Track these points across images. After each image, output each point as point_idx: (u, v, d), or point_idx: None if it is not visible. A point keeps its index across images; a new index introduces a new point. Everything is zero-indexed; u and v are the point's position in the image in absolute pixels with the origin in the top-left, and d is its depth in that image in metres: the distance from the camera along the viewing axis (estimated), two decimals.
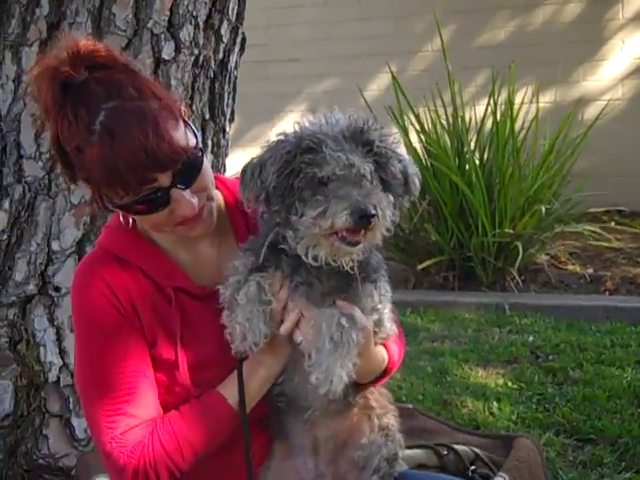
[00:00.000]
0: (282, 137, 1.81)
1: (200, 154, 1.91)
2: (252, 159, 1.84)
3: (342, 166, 1.75)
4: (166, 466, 1.90)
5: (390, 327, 2.01)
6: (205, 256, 2.08)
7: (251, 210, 2.02)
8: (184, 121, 1.90)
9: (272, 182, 1.77)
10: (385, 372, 2.07)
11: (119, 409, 1.91)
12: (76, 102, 1.81)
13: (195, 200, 1.89)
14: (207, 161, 1.97)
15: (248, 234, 2.06)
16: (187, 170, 1.87)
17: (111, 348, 1.93)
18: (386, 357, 2.04)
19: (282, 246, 1.86)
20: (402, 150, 1.90)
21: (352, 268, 1.84)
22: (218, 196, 2.11)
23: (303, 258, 1.82)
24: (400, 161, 1.86)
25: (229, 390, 1.94)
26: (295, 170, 1.76)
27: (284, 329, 1.89)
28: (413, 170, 1.89)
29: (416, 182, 1.89)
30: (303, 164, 1.76)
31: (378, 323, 1.95)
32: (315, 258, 1.82)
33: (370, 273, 1.92)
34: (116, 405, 1.91)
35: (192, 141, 1.89)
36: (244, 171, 1.82)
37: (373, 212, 1.73)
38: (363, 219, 1.73)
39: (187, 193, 1.87)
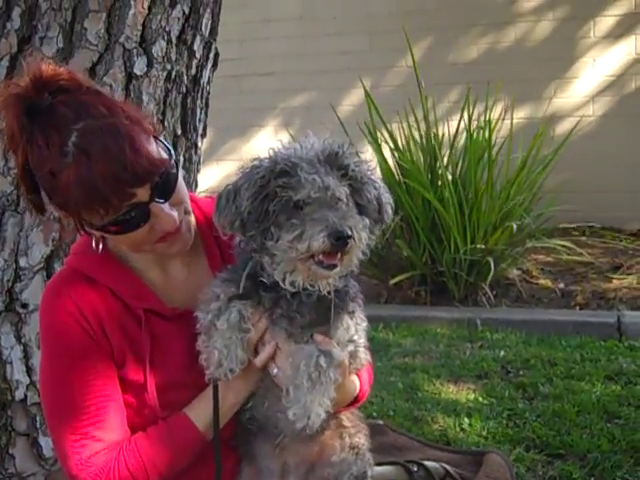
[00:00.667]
0: (256, 162, 1.82)
1: (174, 168, 1.90)
2: (227, 185, 1.83)
3: (317, 189, 1.76)
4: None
5: (364, 357, 2.02)
6: (176, 276, 2.07)
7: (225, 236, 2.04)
8: (155, 137, 1.89)
9: (247, 207, 1.77)
10: (355, 400, 2.08)
11: (85, 433, 1.90)
12: (44, 127, 1.79)
13: (175, 213, 1.89)
14: (181, 175, 1.97)
15: (220, 254, 2.06)
16: (164, 184, 1.87)
17: (78, 370, 1.92)
18: (358, 386, 2.06)
19: (261, 278, 1.86)
20: (377, 177, 1.92)
21: (329, 293, 1.85)
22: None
23: (281, 284, 1.83)
24: (375, 188, 1.87)
25: (195, 412, 1.94)
26: (270, 194, 1.77)
27: (259, 361, 1.91)
28: (387, 198, 1.90)
29: (389, 211, 1.90)
30: (278, 188, 1.76)
31: (353, 354, 1.97)
32: (292, 284, 1.83)
33: (347, 303, 1.93)
34: (82, 429, 1.91)
35: (165, 155, 1.88)
36: (219, 197, 1.82)
37: (349, 233, 1.74)
38: (340, 241, 1.73)
39: (166, 207, 1.87)
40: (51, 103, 1.80)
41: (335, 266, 1.79)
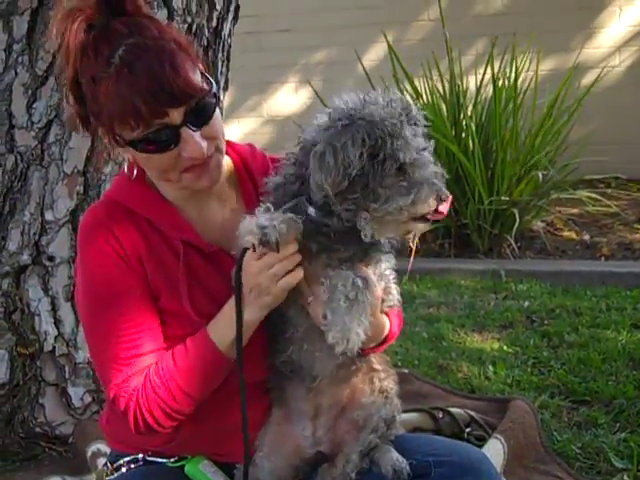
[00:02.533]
0: (345, 121, 1.78)
1: (214, 100, 1.92)
2: (318, 145, 1.79)
3: (418, 150, 1.78)
4: (161, 409, 1.95)
5: (396, 295, 2.04)
6: (212, 215, 2.10)
7: (259, 181, 2.06)
8: (200, 68, 1.93)
9: (355, 168, 1.75)
10: (384, 341, 2.09)
11: (123, 358, 1.96)
12: (98, 39, 1.85)
13: (204, 144, 1.90)
14: (219, 112, 1.97)
15: (256, 201, 2.07)
16: (199, 111, 1.89)
17: (115, 298, 1.96)
18: (387, 325, 2.07)
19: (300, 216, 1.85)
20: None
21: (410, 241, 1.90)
22: (227, 160, 2.13)
23: (365, 239, 1.84)
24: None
25: (216, 330, 1.95)
26: (379, 155, 1.76)
27: (285, 283, 1.87)
28: None
29: None
30: (388, 149, 1.76)
31: (386, 291, 1.99)
32: (387, 239, 1.89)
33: (381, 243, 1.94)
34: (119, 355, 1.96)
35: (206, 86, 1.91)
36: (321, 155, 1.77)
37: (450, 195, 1.80)
38: (444, 202, 1.79)
39: (197, 135, 1.88)
40: (109, 20, 1.86)
41: (429, 220, 1.84)
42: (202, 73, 1.92)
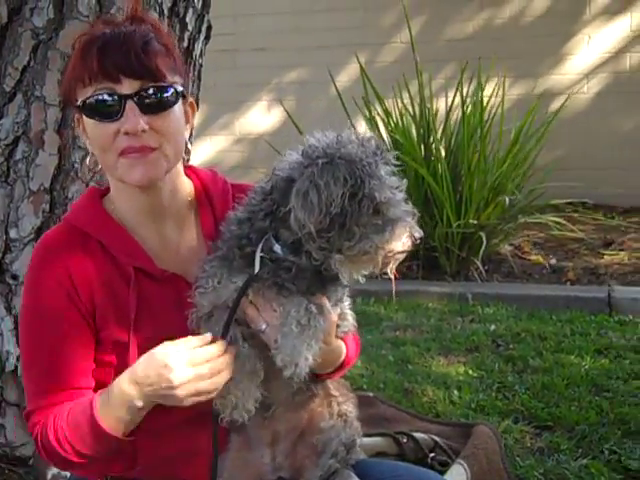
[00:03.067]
0: (325, 159, 1.79)
1: (174, 99, 1.92)
2: (298, 182, 1.79)
3: (392, 189, 1.81)
4: (57, 455, 1.94)
5: (351, 321, 2.04)
6: (168, 238, 2.08)
7: (219, 207, 2.08)
8: (179, 70, 1.96)
9: (337, 207, 1.75)
10: (341, 366, 2.09)
11: (44, 389, 1.96)
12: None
13: (143, 124, 1.87)
14: (180, 117, 1.96)
15: (215, 228, 2.06)
16: (153, 97, 1.89)
17: (52, 331, 1.95)
18: (344, 351, 2.07)
19: (268, 254, 1.86)
20: None
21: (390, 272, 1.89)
22: (188, 184, 2.12)
23: (343, 280, 1.87)
24: None
25: (104, 416, 1.90)
26: (357, 195, 1.77)
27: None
28: None
29: None
30: (366, 189, 1.77)
31: (341, 317, 1.99)
32: (358, 277, 1.89)
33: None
34: (42, 385, 1.97)
35: (173, 80, 1.92)
36: (305, 193, 1.77)
37: (422, 234, 1.85)
38: (417, 241, 1.83)
39: (140, 114, 1.87)
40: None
41: (406, 250, 1.85)
42: (180, 75, 1.95)
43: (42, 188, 3.07)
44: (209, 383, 1.83)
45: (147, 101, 1.88)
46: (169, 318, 1.97)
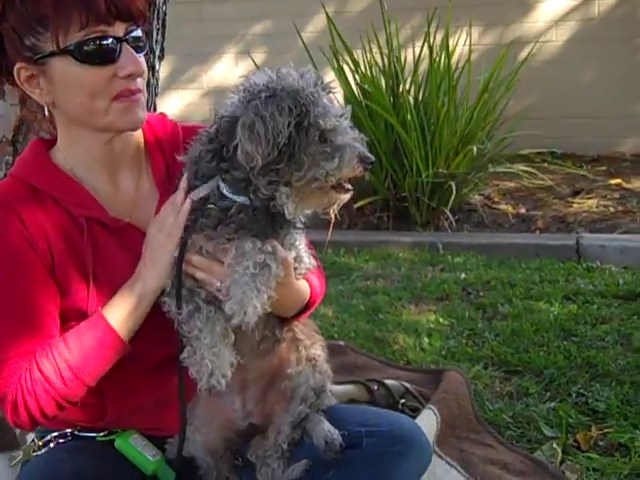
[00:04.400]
0: (267, 92, 1.78)
1: (145, 39, 1.94)
2: (244, 116, 1.78)
3: (337, 117, 1.80)
4: (47, 393, 1.86)
5: (309, 262, 2.03)
6: (122, 188, 2.04)
7: (168, 151, 2.06)
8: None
9: (284, 137, 1.74)
10: (308, 305, 2.08)
11: (12, 339, 1.88)
12: None
13: (144, 64, 1.89)
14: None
15: (166, 174, 2.04)
16: (136, 40, 1.89)
17: (16, 278, 1.89)
18: (308, 290, 2.06)
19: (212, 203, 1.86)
20: None
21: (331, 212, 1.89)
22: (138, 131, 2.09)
23: (289, 216, 1.84)
24: None
25: (114, 313, 1.91)
26: (303, 124, 1.76)
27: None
28: None
29: None
30: (312, 118, 1.77)
31: (297, 259, 1.98)
32: (303, 214, 1.90)
33: (294, 220, 1.94)
34: (8, 334, 1.89)
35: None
36: (250, 126, 1.75)
37: (373, 158, 1.82)
38: (368, 165, 1.81)
39: (134, 52, 1.87)
40: None
41: (350, 190, 1.85)
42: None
43: (4, 139, 3.01)
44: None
45: (135, 44, 1.88)
46: (125, 268, 1.95)
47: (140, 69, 1.88)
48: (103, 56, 1.84)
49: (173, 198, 1.93)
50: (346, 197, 1.87)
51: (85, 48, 1.83)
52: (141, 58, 1.91)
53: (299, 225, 1.95)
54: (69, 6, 1.80)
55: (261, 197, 1.82)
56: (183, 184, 1.91)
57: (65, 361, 1.86)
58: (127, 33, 1.86)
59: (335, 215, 1.90)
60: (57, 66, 1.87)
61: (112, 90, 1.87)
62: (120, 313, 1.90)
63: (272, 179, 1.80)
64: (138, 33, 1.90)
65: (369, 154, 1.81)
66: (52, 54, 1.85)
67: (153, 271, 1.91)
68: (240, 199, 1.84)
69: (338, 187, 1.84)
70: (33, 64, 1.88)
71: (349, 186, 1.85)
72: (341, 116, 1.82)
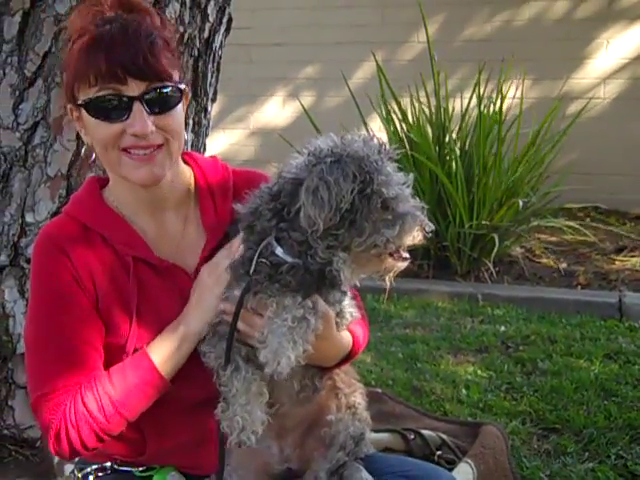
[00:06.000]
0: (332, 158, 1.80)
1: (179, 95, 1.95)
2: (307, 180, 1.79)
3: (400, 185, 1.82)
4: (90, 428, 1.90)
5: (351, 316, 2.03)
6: (168, 229, 2.08)
7: (219, 195, 2.09)
8: (177, 64, 1.97)
9: (347, 203, 1.77)
10: (351, 354, 2.09)
11: (56, 371, 1.92)
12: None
13: (152, 127, 1.89)
14: (182, 113, 1.98)
15: (215, 219, 2.07)
16: (159, 97, 1.91)
17: (61, 313, 1.94)
18: (351, 340, 2.07)
19: (268, 259, 1.86)
20: None
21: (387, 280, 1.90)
22: (187, 172, 2.13)
23: (344, 281, 1.86)
24: None
25: (159, 353, 1.94)
26: (366, 191, 1.78)
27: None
28: None
29: None
30: (375, 185, 1.79)
31: (339, 314, 1.98)
32: (358, 279, 1.90)
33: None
34: (52, 366, 1.93)
35: (177, 78, 1.94)
36: (315, 189, 1.77)
37: (434, 227, 1.85)
38: (429, 233, 1.84)
39: (146, 115, 1.89)
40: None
41: (408, 259, 1.87)
42: (178, 69, 1.96)
43: (59, 174, 3.08)
44: None
45: (153, 102, 1.90)
46: (168, 308, 1.99)
47: (145, 131, 1.88)
48: (110, 114, 1.89)
49: (229, 245, 1.96)
50: (403, 265, 1.87)
51: (94, 104, 1.90)
52: (169, 114, 1.93)
53: (344, 289, 1.94)
54: (86, 64, 1.87)
55: (318, 260, 1.83)
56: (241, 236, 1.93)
57: (108, 396, 1.90)
58: (146, 92, 1.89)
59: (391, 282, 1.90)
60: (84, 115, 1.94)
61: (121, 144, 1.92)
62: (163, 353, 1.94)
63: (331, 244, 1.82)
64: (165, 90, 1.91)
65: (429, 222, 1.83)
66: (79, 105, 1.93)
67: (197, 314, 1.95)
68: (290, 260, 1.85)
69: (396, 255, 1.85)
70: (75, 107, 1.96)
71: (407, 255, 1.87)
72: (403, 184, 1.84)
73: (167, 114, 1.92)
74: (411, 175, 1.88)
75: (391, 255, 1.85)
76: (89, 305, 1.96)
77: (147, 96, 1.88)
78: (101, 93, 1.87)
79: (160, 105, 1.91)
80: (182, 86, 1.96)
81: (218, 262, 1.96)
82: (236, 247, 1.93)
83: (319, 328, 1.84)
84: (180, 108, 1.96)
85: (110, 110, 1.89)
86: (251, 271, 1.86)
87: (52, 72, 3.03)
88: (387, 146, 1.88)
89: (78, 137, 3.05)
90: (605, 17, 7.91)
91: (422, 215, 1.83)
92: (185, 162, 2.14)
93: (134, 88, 1.87)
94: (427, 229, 1.83)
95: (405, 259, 1.87)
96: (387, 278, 1.89)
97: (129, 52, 1.85)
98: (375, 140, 1.87)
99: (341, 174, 1.76)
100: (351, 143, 1.84)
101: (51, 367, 1.93)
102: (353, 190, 1.76)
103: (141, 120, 1.88)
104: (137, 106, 1.88)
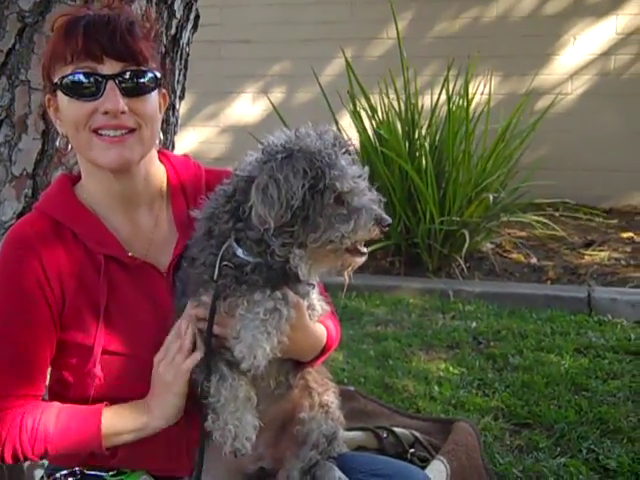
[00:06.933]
0: (283, 154, 1.78)
1: (154, 84, 1.94)
2: (258, 177, 1.78)
3: (354, 178, 1.80)
4: (12, 447, 1.92)
5: (321, 306, 2.02)
6: (141, 226, 2.06)
7: (191, 193, 2.08)
8: (156, 56, 1.99)
9: (298, 199, 1.75)
10: (326, 347, 2.08)
11: (8, 384, 1.93)
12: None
13: (123, 106, 1.88)
14: (156, 104, 1.98)
15: (187, 217, 2.04)
16: (134, 80, 1.91)
17: (18, 323, 1.92)
18: (325, 333, 2.06)
19: (230, 262, 1.85)
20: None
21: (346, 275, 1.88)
22: (160, 170, 2.11)
23: (302, 277, 1.84)
24: None
25: (111, 425, 1.95)
26: (319, 186, 1.76)
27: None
28: None
29: None
30: (327, 180, 1.77)
31: (309, 307, 1.97)
32: (317, 275, 1.89)
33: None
34: (6, 376, 1.93)
35: (153, 66, 1.94)
36: (264, 188, 1.76)
37: (390, 221, 1.81)
38: (385, 227, 1.80)
39: (120, 95, 1.88)
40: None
41: (365, 254, 1.84)
42: (156, 62, 1.97)
43: (25, 173, 3.02)
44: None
45: (128, 84, 1.90)
46: (138, 308, 1.97)
47: (116, 108, 1.87)
48: (83, 92, 1.89)
49: (177, 325, 1.93)
50: (361, 260, 1.85)
51: (67, 82, 1.89)
52: (143, 99, 1.92)
53: (312, 282, 1.93)
54: (63, 42, 1.88)
55: (276, 259, 1.82)
56: (189, 310, 1.92)
57: (45, 433, 1.91)
58: (122, 73, 1.89)
59: (349, 277, 1.88)
60: (59, 98, 1.94)
61: (92, 123, 1.91)
62: (116, 427, 1.94)
63: (286, 241, 1.80)
64: (141, 74, 1.91)
65: (386, 216, 1.80)
66: (54, 86, 1.93)
67: (159, 413, 1.94)
68: (252, 260, 1.84)
69: (353, 250, 1.83)
70: (52, 95, 1.97)
71: (365, 249, 1.84)
72: (359, 177, 1.82)
73: (141, 98, 1.92)
74: (366, 168, 1.86)
75: (348, 250, 1.83)
76: (49, 317, 1.93)
77: (122, 77, 1.88)
78: (77, 70, 1.87)
79: (135, 88, 1.91)
80: (158, 74, 1.95)
81: (168, 347, 1.93)
82: (184, 328, 1.91)
83: (292, 317, 1.83)
84: (155, 95, 1.96)
85: (84, 88, 1.88)
86: (215, 277, 1.84)
87: (16, 70, 2.97)
88: (342, 139, 1.87)
89: (44, 135, 3.00)
90: (572, 13, 7.96)
91: (378, 209, 1.80)
92: (159, 160, 2.13)
93: (110, 67, 1.87)
94: (383, 223, 1.80)
95: (362, 254, 1.84)
96: (345, 273, 1.87)
97: (107, 30, 1.86)
98: (330, 133, 1.85)
99: (291, 170, 1.75)
100: (304, 137, 1.83)
101: (6, 383, 1.93)
102: (304, 186, 1.75)
103: (113, 98, 1.87)
104: (111, 85, 1.87)
